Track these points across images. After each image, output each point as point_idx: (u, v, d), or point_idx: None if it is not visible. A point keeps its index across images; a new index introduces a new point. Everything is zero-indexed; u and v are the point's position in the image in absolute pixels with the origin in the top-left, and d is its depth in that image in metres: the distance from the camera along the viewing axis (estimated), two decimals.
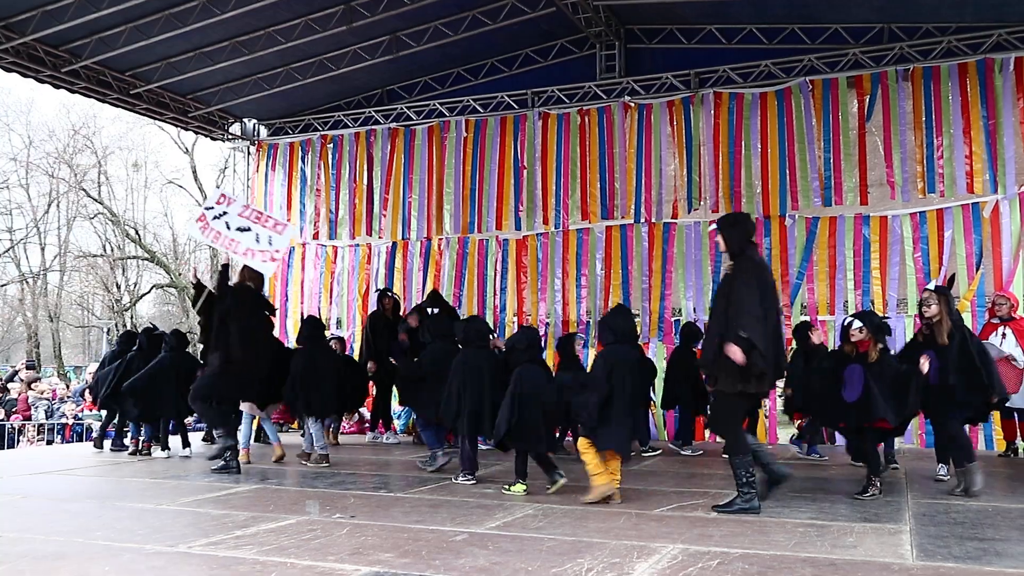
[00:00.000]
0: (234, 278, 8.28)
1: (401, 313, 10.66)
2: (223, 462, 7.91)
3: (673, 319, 11.16)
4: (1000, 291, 9.41)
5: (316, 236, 13.48)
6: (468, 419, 7.07)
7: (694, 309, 11.01)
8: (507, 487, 6.77)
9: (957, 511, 5.89)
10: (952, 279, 8.07)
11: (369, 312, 11.33)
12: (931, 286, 7.24)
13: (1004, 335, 8.66)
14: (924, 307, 6.86)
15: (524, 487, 6.70)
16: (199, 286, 7.83)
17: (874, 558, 4.41)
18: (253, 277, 8.30)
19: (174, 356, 9.60)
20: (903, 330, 10.12)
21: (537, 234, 12.07)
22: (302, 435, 9.18)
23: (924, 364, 6.38)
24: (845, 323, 6.74)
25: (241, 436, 8.77)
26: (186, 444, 9.76)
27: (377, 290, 11.03)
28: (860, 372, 6.37)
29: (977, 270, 10.01)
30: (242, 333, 7.89)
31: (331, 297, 13.29)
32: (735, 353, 5.52)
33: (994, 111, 10.06)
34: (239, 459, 8.14)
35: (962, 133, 10.19)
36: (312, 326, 9.11)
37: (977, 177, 10.06)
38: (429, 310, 9.37)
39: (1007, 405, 8.70)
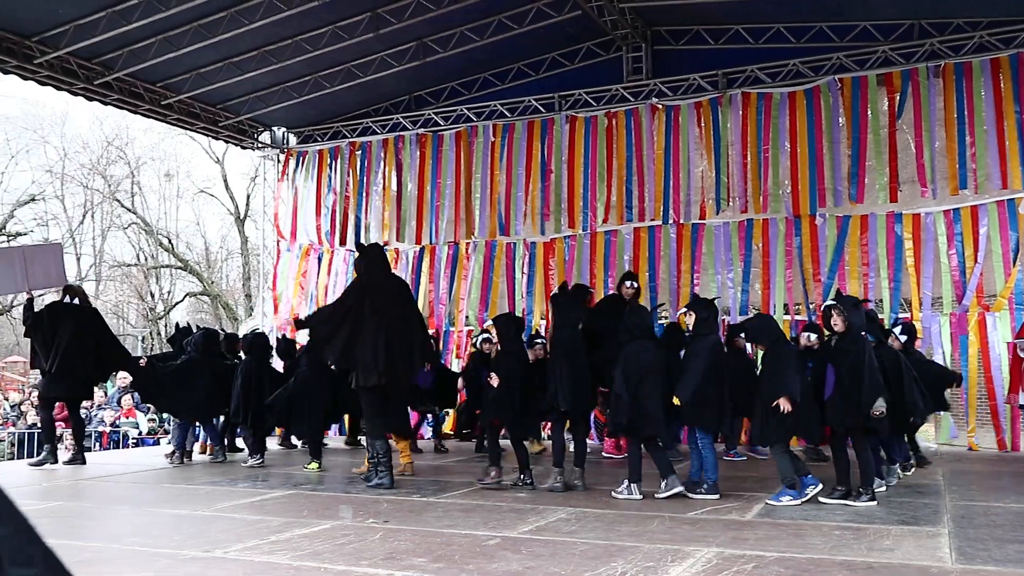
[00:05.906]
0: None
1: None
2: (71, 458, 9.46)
3: None
4: None
5: (343, 242, 13.57)
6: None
7: (726, 311, 10.92)
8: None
9: (997, 513, 5.80)
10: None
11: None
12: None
13: None
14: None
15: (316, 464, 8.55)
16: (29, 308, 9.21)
17: (912, 561, 4.34)
18: (76, 294, 9.40)
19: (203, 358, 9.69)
20: (938, 329, 9.99)
21: (564, 237, 12.05)
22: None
23: None
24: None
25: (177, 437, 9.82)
26: (236, 449, 10.13)
27: (627, 274, 9.46)
28: None
29: (1014, 266, 9.85)
30: (53, 346, 8.98)
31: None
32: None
33: None
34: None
35: (995, 129, 10.05)
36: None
37: (1012, 173, 9.92)
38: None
39: None
